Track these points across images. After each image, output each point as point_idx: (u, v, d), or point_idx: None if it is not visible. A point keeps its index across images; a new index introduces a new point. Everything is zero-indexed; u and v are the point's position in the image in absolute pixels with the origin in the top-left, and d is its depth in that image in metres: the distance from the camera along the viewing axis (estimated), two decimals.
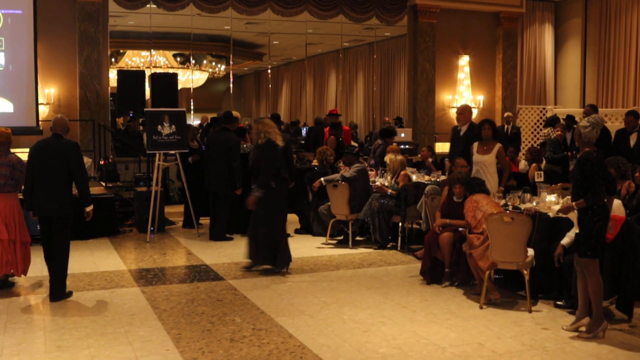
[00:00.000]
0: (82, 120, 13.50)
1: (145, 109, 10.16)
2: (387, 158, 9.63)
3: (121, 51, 21.59)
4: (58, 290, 6.89)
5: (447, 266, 7.33)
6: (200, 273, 8.06)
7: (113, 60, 21.66)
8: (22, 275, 7.45)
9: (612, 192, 5.80)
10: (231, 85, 19.36)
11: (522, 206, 7.23)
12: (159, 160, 10.41)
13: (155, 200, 10.43)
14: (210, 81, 24.83)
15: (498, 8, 16.47)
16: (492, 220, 6.42)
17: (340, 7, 15.55)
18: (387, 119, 16.61)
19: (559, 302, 6.55)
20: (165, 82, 10.90)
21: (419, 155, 12.99)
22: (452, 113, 16.45)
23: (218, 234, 10.14)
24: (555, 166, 10.63)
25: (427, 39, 15.99)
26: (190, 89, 23.97)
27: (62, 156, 6.83)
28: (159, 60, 22.25)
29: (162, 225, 10.91)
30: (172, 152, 10.52)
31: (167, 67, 22.35)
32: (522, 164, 11.92)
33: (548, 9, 17.98)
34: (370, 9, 15.67)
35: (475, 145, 8.52)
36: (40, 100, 13.13)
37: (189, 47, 19.22)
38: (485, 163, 8.34)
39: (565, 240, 6.34)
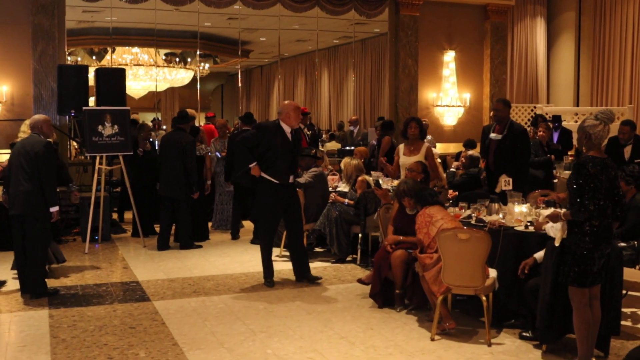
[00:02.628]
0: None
1: (84, 108, 9.24)
2: (342, 163, 8.69)
3: (107, 49, 20.78)
4: (36, 289, 6.82)
5: (399, 288, 6.36)
6: (127, 292, 7.12)
7: (94, 57, 20.87)
8: None
9: (617, 216, 4.82)
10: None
11: (487, 219, 6.27)
12: (100, 163, 9.50)
13: (98, 207, 9.54)
14: (200, 79, 23.93)
15: (486, 0, 15.46)
16: (445, 237, 5.45)
17: (316, 0, 14.56)
18: (354, 117, 15.68)
19: (524, 333, 5.58)
20: (112, 79, 9.97)
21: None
22: (437, 112, 15.51)
23: (184, 242, 9.38)
24: (537, 170, 9.67)
25: (410, 33, 14.99)
26: (177, 88, 23.18)
27: (33, 155, 6.63)
28: (143, 58, 21.44)
29: (108, 234, 9.99)
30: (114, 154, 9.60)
31: (150, 65, 21.49)
32: None
33: (540, 1, 16.99)
34: (348, 1, 14.69)
35: (402, 146, 7.70)
36: None
37: (173, 44, 18.34)
38: None
39: (540, 254, 5.39)
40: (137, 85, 21.39)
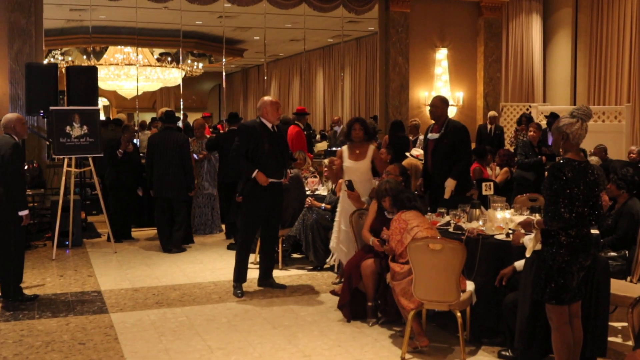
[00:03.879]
0: None
1: (51, 108, 8.80)
2: (324, 164, 8.22)
3: (98, 48, 20.37)
4: (10, 293, 6.66)
5: (370, 300, 5.91)
6: (85, 303, 6.68)
7: (92, 56, 20.45)
8: None
9: (591, 223, 4.34)
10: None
11: (467, 226, 5.82)
12: (69, 165, 9.07)
13: (67, 211, 9.13)
14: (196, 79, 23.59)
15: None
16: (415, 247, 5.00)
17: None
18: (335, 117, 15.27)
19: (504, 352, 5.13)
20: (83, 77, 9.52)
21: None
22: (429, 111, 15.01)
23: (178, 243, 9.23)
24: (527, 172, 9.23)
25: (400, 30, 14.52)
26: (172, 87, 22.75)
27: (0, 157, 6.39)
28: (136, 58, 21.02)
29: (80, 239, 9.56)
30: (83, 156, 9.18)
31: (143, 65, 21.11)
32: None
33: None
34: None
35: (345, 149, 7.09)
36: None
37: (170, 44, 17.94)
38: (360, 171, 7.00)
39: (520, 263, 4.96)
40: (130, 84, 21.03)
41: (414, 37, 14.69)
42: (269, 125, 6.96)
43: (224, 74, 17.83)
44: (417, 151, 9.82)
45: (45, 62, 17.50)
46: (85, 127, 8.85)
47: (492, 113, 13.99)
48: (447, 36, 15.04)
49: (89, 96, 9.39)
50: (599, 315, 4.76)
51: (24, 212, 6.51)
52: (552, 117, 11.40)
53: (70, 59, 19.59)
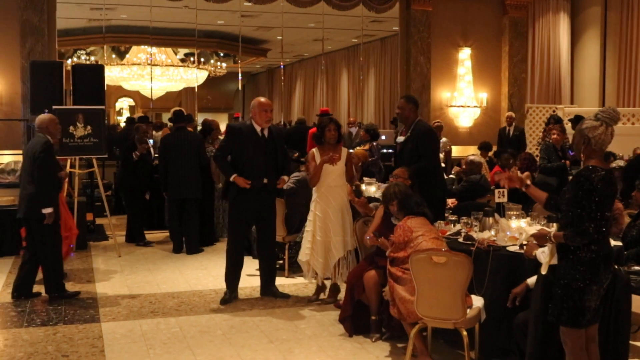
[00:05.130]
0: (24, 120, 11.90)
1: (54, 107, 8.55)
2: None
3: (122, 48, 20.28)
4: (52, 289, 6.73)
5: (374, 313, 5.52)
6: (78, 311, 6.39)
7: (114, 56, 20.37)
8: None
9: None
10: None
11: (478, 236, 5.41)
12: (72, 166, 8.84)
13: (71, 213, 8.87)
14: (221, 80, 23.40)
15: None
16: (417, 260, 4.61)
17: None
18: (351, 119, 14.89)
19: None
20: (89, 76, 9.28)
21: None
22: (452, 112, 14.60)
23: (194, 246, 9.09)
24: (549, 177, 8.76)
25: (422, 29, 14.09)
26: (195, 87, 22.52)
27: (32, 155, 6.54)
28: (160, 58, 20.91)
29: (85, 241, 9.31)
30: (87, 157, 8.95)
31: (166, 65, 20.97)
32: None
33: None
34: None
35: (316, 152, 6.58)
36: None
37: (189, 43, 17.76)
38: (335, 174, 6.51)
39: (534, 280, 4.54)
40: (155, 85, 20.89)
41: (436, 36, 14.26)
42: (258, 129, 6.60)
43: (239, 74, 17.56)
44: None
45: (69, 62, 17.51)
46: (89, 127, 8.60)
47: (509, 114, 13.51)
48: (470, 35, 14.58)
49: (95, 95, 9.12)
50: (619, 337, 4.32)
51: (47, 210, 6.48)
52: (576, 120, 10.91)
53: (93, 58, 19.50)
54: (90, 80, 9.22)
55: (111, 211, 11.64)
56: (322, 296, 6.70)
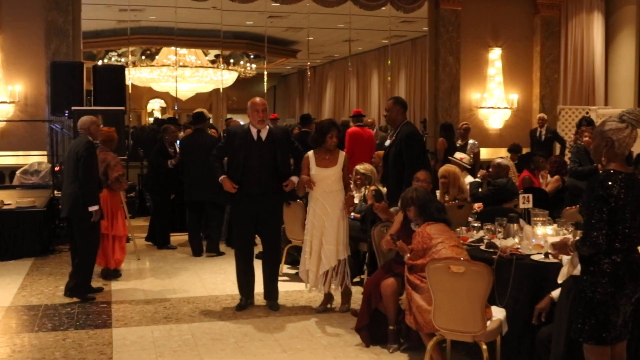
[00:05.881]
0: (47, 121, 11.89)
1: (73, 108, 8.48)
2: (357, 167, 7.55)
3: (153, 49, 20.30)
4: (72, 288, 6.84)
5: (392, 323, 5.29)
6: (90, 315, 6.27)
7: (143, 57, 20.40)
8: (118, 267, 7.80)
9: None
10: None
11: (501, 243, 5.16)
12: None
13: None
14: (251, 81, 23.30)
15: None
16: (434, 269, 4.38)
17: None
18: (370, 120, 14.61)
19: None
20: (110, 77, 9.20)
21: None
22: (481, 114, 14.27)
23: (215, 247, 9.03)
24: (580, 181, 8.42)
25: (451, 29, 13.80)
26: (225, 89, 22.46)
27: (75, 155, 6.70)
28: (190, 59, 20.87)
29: None
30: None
31: (196, 66, 20.93)
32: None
33: None
34: None
35: (311, 155, 6.27)
36: (3, 99, 11.74)
37: (216, 45, 17.68)
38: (331, 179, 6.22)
39: (558, 292, 4.29)
40: (185, 86, 20.88)
41: (466, 36, 13.96)
42: (254, 131, 6.35)
43: (265, 75, 17.43)
44: (461, 155, 9.13)
45: (99, 63, 17.56)
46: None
47: (541, 115, 13.14)
48: (501, 35, 14.25)
49: (116, 96, 9.04)
50: None
51: (93, 208, 6.66)
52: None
53: (123, 60, 19.52)
54: (111, 81, 9.15)
55: (135, 213, 11.64)
56: (329, 306, 6.48)
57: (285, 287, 7.06)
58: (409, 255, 4.95)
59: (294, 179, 6.42)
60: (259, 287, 6.67)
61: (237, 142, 6.34)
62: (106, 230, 7.49)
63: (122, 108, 8.77)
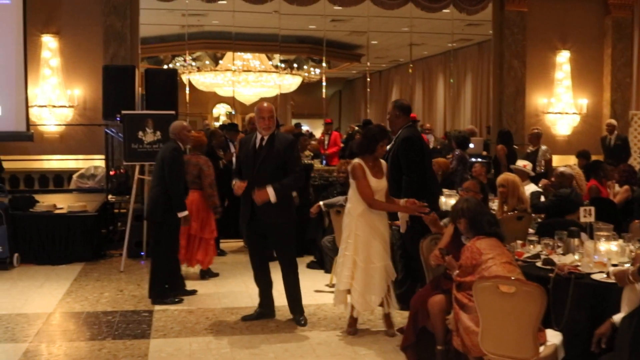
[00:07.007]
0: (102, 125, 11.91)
1: (123, 112, 8.39)
2: None
3: (219, 54, 20.39)
4: (153, 293, 6.84)
5: (440, 343, 4.92)
6: (130, 325, 6.11)
7: (207, 62, 20.52)
8: (205, 268, 7.90)
9: None
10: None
11: (560, 259, 4.74)
12: (141, 172, 8.67)
13: (140, 220, 8.73)
14: (315, 85, 23.14)
15: None
16: (482, 289, 4.01)
17: None
18: (427, 125, 14.19)
19: None
20: (162, 81, 9.10)
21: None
22: (548, 119, 13.69)
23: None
24: None
25: (516, 31, 13.29)
26: (289, 94, 22.37)
27: (160, 160, 6.83)
28: (254, 64, 20.87)
29: None
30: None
31: (259, 71, 20.90)
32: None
33: None
34: None
35: (364, 164, 5.74)
36: (62, 103, 11.89)
37: (275, 49, 17.60)
38: (383, 192, 5.78)
39: (619, 316, 3.88)
40: (248, 91, 20.90)
41: (532, 38, 13.43)
42: (259, 137, 6.01)
43: (323, 80, 17.22)
44: (523, 162, 8.66)
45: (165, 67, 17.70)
46: (158, 133, 8.39)
47: (609, 121, 12.47)
48: (569, 37, 13.66)
49: (167, 100, 8.92)
50: None
51: (182, 214, 6.71)
52: None
53: (185, 64, 19.62)
54: (163, 85, 9.03)
55: None
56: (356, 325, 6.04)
57: (330, 299, 6.73)
58: (457, 271, 4.60)
59: (269, 190, 5.83)
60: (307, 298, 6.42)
61: (243, 152, 6.09)
62: (195, 232, 7.57)
63: (174, 112, 8.61)
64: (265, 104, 6.04)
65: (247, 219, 6.04)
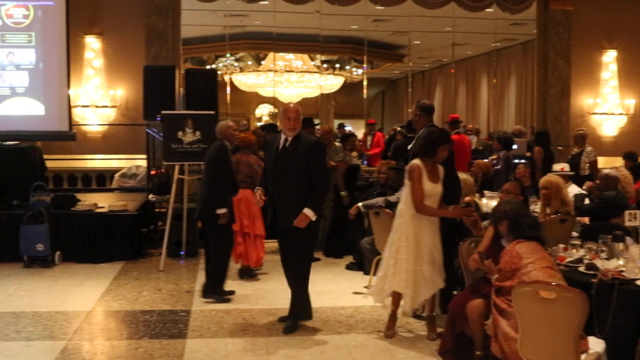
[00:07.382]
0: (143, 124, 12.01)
1: (163, 112, 8.44)
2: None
3: (261, 55, 20.48)
4: (208, 288, 6.99)
5: (479, 348, 4.81)
6: (167, 324, 6.12)
7: (249, 62, 20.63)
8: (257, 266, 8.00)
9: None
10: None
11: (604, 264, 4.60)
12: (181, 172, 8.71)
13: (179, 219, 8.79)
14: (358, 85, 23.06)
15: None
16: (521, 294, 3.90)
17: None
18: (470, 125, 13.90)
19: None
20: (202, 80, 9.13)
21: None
22: (594, 120, 13.39)
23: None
24: None
25: (561, 30, 13.00)
26: (332, 94, 22.33)
27: (207, 158, 7.01)
28: (296, 64, 20.91)
29: (194, 249, 9.14)
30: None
31: (301, 71, 20.92)
32: None
33: None
34: None
35: (422, 166, 5.60)
36: (105, 103, 12.03)
37: (316, 49, 17.59)
38: (438, 197, 5.65)
39: None
40: (291, 91, 20.93)
41: (577, 37, 13.11)
42: (282, 139, 5.91)
43: (364, 80, 17.10)
44: (561, 165, 8.47)
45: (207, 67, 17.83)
46: (198, 133, 8.41)
47: None
48: (616, 36, 13.30)
49: (207, 100, 8.95)
50: None
51: (221, 211, 6.75)
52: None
53: (236, 65, 19.76)
54: (203, 85, 9.06)
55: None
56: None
57: (369, 301, 6.64)
58: (496, 275, 4.50)
59: (308, 212, 5.70)
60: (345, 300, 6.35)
61: (268, 152, 6.06)
62: (249, 229, 7.71)
63: (213, 112, 8.62)
64: (291, 104, 5.99)
65: (271, 219, 6.01)
